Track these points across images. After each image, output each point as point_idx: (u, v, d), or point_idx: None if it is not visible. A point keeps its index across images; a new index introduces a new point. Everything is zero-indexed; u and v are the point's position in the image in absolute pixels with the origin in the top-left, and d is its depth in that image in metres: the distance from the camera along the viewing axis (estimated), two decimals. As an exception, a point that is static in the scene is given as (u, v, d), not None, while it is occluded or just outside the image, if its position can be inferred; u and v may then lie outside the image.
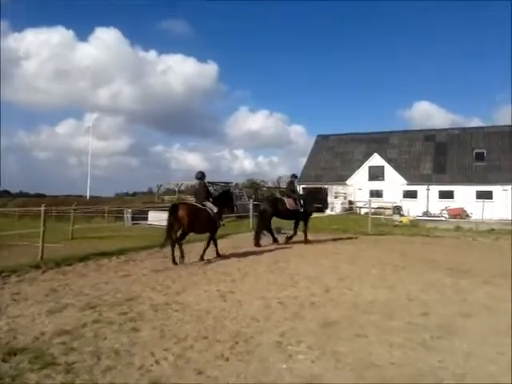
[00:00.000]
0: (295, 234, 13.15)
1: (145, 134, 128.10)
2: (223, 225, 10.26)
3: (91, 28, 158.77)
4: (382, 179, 37.00)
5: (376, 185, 36.68)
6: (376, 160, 37.78)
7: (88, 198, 44.41)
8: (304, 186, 37.57)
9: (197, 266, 8.85)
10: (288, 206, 12.69)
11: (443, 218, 27.43)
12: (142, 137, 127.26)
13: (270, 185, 50.43)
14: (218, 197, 10.73)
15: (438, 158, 37.25)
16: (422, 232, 16.88)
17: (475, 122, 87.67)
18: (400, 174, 36.54)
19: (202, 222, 9.33)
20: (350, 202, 35.79)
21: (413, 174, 36.74)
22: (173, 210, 9.01)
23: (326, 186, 38.71)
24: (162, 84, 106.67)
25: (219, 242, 10.52)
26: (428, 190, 34.58)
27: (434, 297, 6.22)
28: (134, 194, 64.53)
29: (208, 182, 24.65)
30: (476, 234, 16.42)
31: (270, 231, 12.99)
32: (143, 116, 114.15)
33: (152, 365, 3.68)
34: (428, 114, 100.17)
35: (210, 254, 9.75)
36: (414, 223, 21.24)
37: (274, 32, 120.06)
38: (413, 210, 32.16)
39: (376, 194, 36.30)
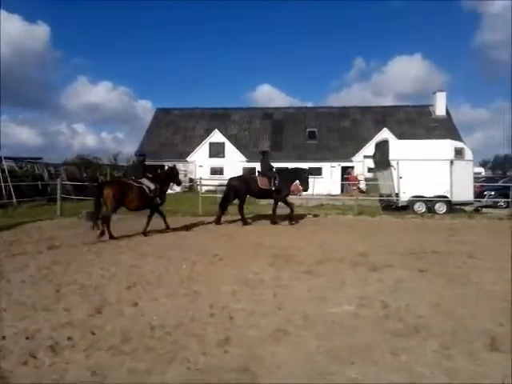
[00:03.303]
0: (274, 213, 12.34)
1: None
2: (162, 202, 10.28)
3: None
4: (223, 156, 36.29)
5: (217, 162, 35.77)
6: (217, 136, 36.81)
7: None
8: (141, 163, 34.47)
9: None
10: (260, 184, 11.98)
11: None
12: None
13: (106, 162, 45.41)
14: (159, 174, 10.85)
15: (275, 135, 38.20)
16: (256, 210, 16.06)
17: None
18: (240, 151, 36.33)
19: (133, 199, 9.40)
20: (191, 180, 34.14)
21: (252, 151, 36.92)
22: (98, 189, 9.14)
23: (165, 163, 36.44)
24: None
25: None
26: (266, 166, 35.12)
27: (243, 305, 4.64)
28: None
29: (5, 158, 19.92)
30: (306, 210, 16.33)
31: (223, 211, 12.24)
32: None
33: None
34: (269, 97, 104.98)
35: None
36: (250, 201, 20.56)
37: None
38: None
39: (217, 171, 35.45)
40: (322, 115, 39.82)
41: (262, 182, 12.01)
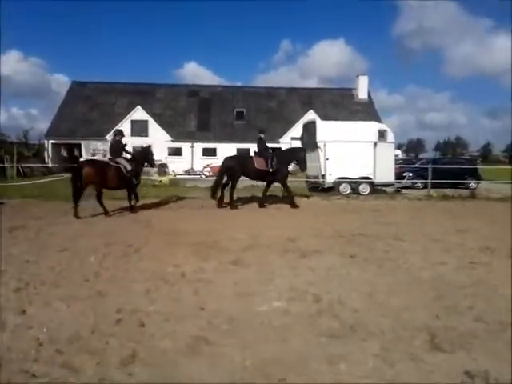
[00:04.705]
0: (264, 197, 11.94)
1: None
2: (138, 182, 10.47)
3: None
4: (146, 135, 34.42)
5: (140, 141, 33.81)
6: (139, 114, 34.77)
7: None
8: (54, 141, 31.50)
9: None
10: (256, 164, 11.45)
11: (204, 176, 27.07)
12: None
13: (15, 140, 41.03)
14: (136, 154, 10.84)
15: (202, 114, 37.03)
16: (179, 193, 15.16)
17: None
18: (165, 130, 34.73)
19: (111, 179, 9.67)
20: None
21: (178, 130, 35.49)
22: (77, 169, 9.49)
23: (82, 142, 33.68)
24: None
25: None
26: (192, 147, 34.02)
27: (158, 307, 3.95)
28: None
29: None
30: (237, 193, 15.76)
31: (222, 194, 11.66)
32: None
33: None
34: (197, 75, 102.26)
35: None
36: (175, 182, 19.61)
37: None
38: (178, 167, 31.00)
39: (140, 151, 33.57)
40: (249, 95, 39.28)
41: (259, 163, 11.53)
